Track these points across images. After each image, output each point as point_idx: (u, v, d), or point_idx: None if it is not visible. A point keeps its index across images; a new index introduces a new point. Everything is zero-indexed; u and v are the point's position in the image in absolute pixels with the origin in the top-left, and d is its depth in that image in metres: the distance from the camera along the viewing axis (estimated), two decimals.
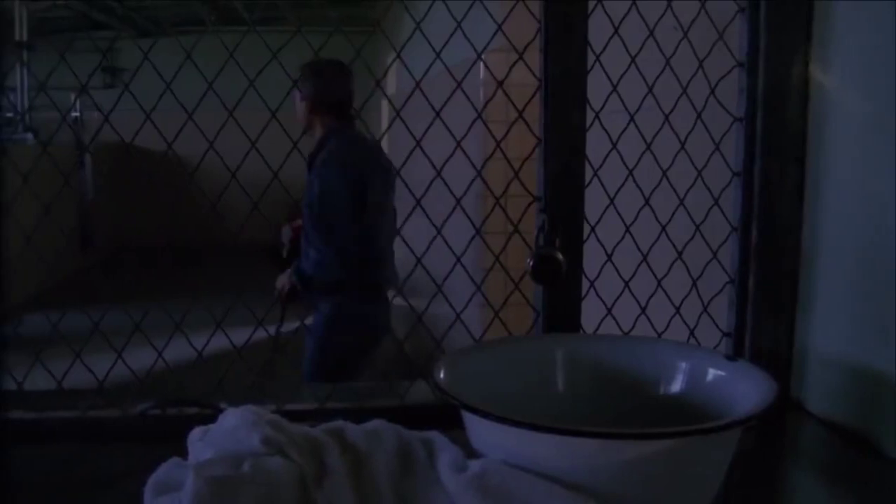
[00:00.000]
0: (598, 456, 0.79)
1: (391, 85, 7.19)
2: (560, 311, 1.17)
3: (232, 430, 0.87)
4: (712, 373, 1.00)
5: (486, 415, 0.82)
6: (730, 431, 0.84)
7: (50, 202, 1.24)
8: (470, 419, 0.88)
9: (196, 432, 0.92)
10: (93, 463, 1.07)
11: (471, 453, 0.88)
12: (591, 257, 1.21)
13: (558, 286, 1.15)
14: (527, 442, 0.82)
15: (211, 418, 0.95)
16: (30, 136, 5.98)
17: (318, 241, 3.20)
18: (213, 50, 1.14)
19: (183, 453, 0.91)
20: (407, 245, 1.12)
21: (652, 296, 1.24)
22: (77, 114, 6.64)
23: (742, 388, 0.94)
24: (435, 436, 0.91)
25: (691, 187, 1.25)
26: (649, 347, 1.07)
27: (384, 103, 7.63)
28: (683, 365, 1.03)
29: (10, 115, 5.77)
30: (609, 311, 1.22)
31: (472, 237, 1.14)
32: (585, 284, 1.20)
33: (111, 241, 8.88)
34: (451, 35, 1.10)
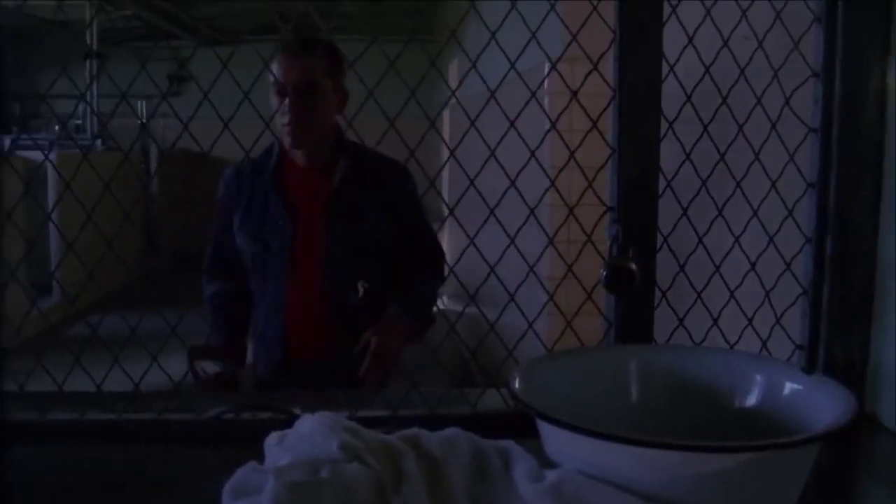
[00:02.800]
0: (676, 468, 0.79)
1: (453, 87, 7.18)
2: (632, 322, 1.16)
3: (309, 436, 0.88)
4: (789, 386, 0.99)
5: (563, 425, 0.82)
6: (809, 446, 0.83)
7: (128, 209, 1.26)
8: (546, 429, 0.88)
9: (273, 437, 0.93)
10: (167, 465, 1.09)
11: (545, 463, 0.88)
12: (664, 267, 1.21)
13: (631, 296, 1.14)
14: (603, 452, 0.81)
15: (285, 423, 0.97)
16: (98, 142, 6.12)
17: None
18: None
19: (258, 457, 0.92)
20: (480, 254, 1.12)
21: (724, 307, 1.23)
22: (144, 121, 6.76)
23: (820, 402, 0.93)
24: (510, 445, 0.91)
25: (765, 198, 1.23)
26: (724, 359, 1.07)
27: (445, 113, 7.66)
28: (759, 377, 1.02)
29: (79, 122, 5.93)
30: (681, 321, 1.21)
31: (546, 247, 1.14)
32: (657, 294, 1.20)
33: (175, 246, 9.02)
34: (526, 45, 1.11)
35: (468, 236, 1.10)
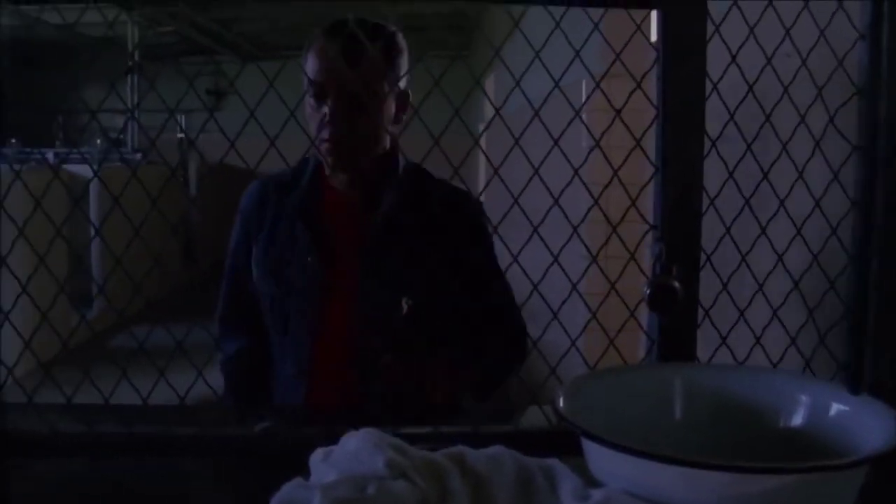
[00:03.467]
0: (723, 489, 0.79)
1: (489, 110, 7.22)
2: (675, 340, 1.16)
3: (355, 453, 0.89)
4: (835, 407, 0.98)
5: (609, 444, 0.83)
6: (856, 469, 0.83)
7: (176, 223, 1.28)
8: (591, 447, 0.88)
9: (318, 453, 0.94)
10: (213, 480, 1.10)
11: (590, 481, 0.88)
12: (706, 286, 1.20)
13: (674, 315, 1.14)
14: (649, 472, 0.81)
15: (329, 440, 0.98)
16: (138, 156, 6.19)
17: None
18: None
19: (303, 473, 0.93)
20: (525, 273, 1.13)
21: (767, 325, 1.23)
22: (182, 135, 6.85)
23: (867, 424, 0.92)
24: (555, 463, 0.91)
25: (809, 216, 1.23)
26: (769, 379, 1.06)
27: (481, 126, 7.68)
28: (804, 397, 1.02)
29: (120, 136, 6.00)
30: (724, 340, 1.21)
31: (589, 264, 1.15)
32: (700, 313, 1.20)
33: (212, 257, 9.10)
34: (570, 63, 1.11)
35: (512, 255, 1.10)
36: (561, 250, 1.12)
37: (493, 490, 0.87)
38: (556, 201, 1.12)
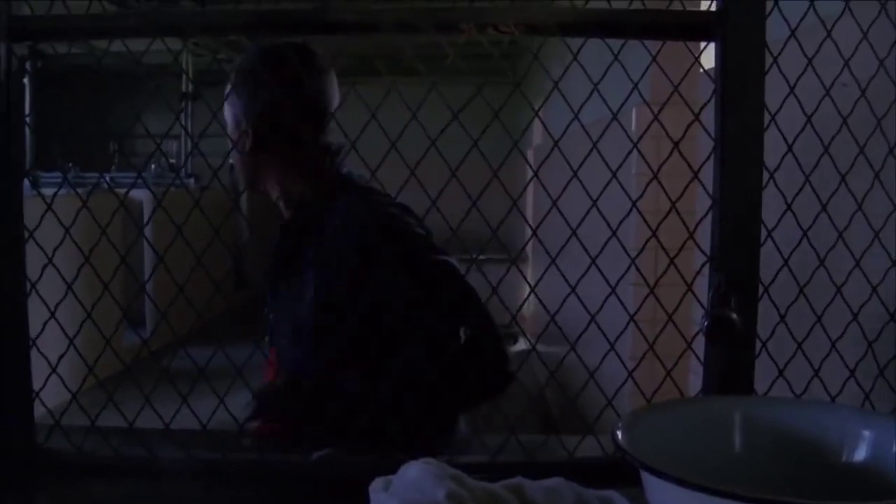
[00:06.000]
0: None
1: (536, 137, 7.23)
2: (732, 372, 1.16)
3: (416, 482, 0.89)
4: None
5: (671, 478, 0.82)
6: None
7: (237, 249, 1.30)
8: (651, 481, 0.88)
9: (378, 483, 0.95)
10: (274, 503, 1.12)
11: None
12: (763, 317, 1.20)
13: (732, 346, 1.14)
14: None
15: (388, 468, 0.99)
16: (192, 180, 6.29)
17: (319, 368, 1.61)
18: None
19: (360, 501, 0.94)
20: (581, 302, 1.13)
21: (826, 358, 1.21)
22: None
23: None
24: (613, 495, 0.91)
25: (868, 248, 1.22)
26: (829, 413, 1.05)
27: (529, 153, 7.68)
28: (867, 433, 1.00)
29: (172, 160, 6.10)
30: (781, 372, 1.20)
31: (647, 296, 1.15)
32: (757, 345, 1.19)
33: (262, 282, 9.18)
34: (629, 93, 1.12)
35: (569, 284, 1.11)
36: (620, 280, 1.12)
37: None
38: (614, 233, 1.12)
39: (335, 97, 1.73)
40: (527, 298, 1.28)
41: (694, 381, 1.24)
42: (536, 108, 7.10)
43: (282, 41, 1.70)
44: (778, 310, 1.20)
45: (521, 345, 4.95)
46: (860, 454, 0.99)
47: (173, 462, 1.13)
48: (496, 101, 1.15)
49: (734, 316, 1.12)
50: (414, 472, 0.91)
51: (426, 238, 1.62)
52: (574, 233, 1.08)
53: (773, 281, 1.19)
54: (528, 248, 6.97)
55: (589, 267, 1.12)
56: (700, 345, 1.18)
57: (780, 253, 1.19)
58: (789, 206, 1.19)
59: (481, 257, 1.19)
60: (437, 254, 1.59)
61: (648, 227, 1.15)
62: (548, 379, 1.19)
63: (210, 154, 1.42)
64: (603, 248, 1.11)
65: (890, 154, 1.22)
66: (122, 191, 1.40)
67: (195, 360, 1.27)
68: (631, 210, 1.14)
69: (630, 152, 1.12)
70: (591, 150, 1.09)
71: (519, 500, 0.89)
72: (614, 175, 1.12)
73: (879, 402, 1.23)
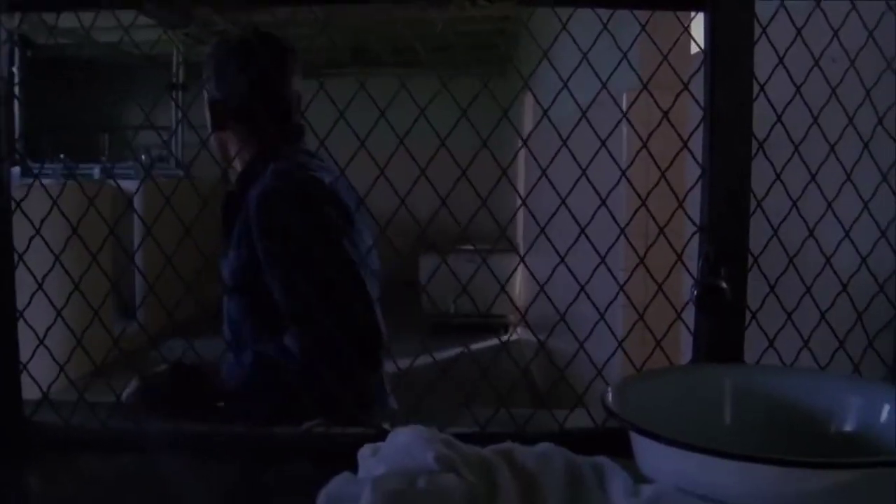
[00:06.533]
0: (778, 485, 0.78)
1: (528, 123, 7.23)
2: (722, 343, 1.16)
3: (405, 447, 0.89)
4: (889, 408, 0.97)
5: (663, 439, 0.82)
6: None
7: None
8: (641, 444, 0.88)
9: (366, 449, 0.94)
10: (259, 478, 1.11)
11: (639, 479, 0.88)
12: (753, 289, 1.20)
13: (722, 317, 1.14)
14: (702, 468, 0.81)
15: (375, 438, 0.98)
16: (181, 172, 6.25)
17: (255, 331, 1.72)
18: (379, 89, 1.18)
19: (350, 470, 0.93)
20: (572, 273, 1.13)
21: (815, 328, 1.21)
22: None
23: None
24: (604, 461, 0.91)
25: (857, 219, 1.22)
26: (820, 380, 1.05)
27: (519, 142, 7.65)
28: (856, 399, 1.00)
29: (164, 152, 6.07)
30: (771, 343, 1.20)
31: (636, 265, 1.14)
32: (746, 315, 1.19)
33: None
34: (618, 64, 1.12)
35: (559, 255, 1.10)
36: (608, 251, 1.12)
37: (542, 486, 0.87)
38: (604, 202, 1.12)
39: (296, 81, 1.83)
40: (508, 276, 1.28)
41: (685, 355, 1.24)
42: (528, 98, 7.11)
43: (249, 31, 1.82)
44: (767, 280, 1.19)
45: (512, 335, 4.96)
46: (850, 420, 0.99)
47: (162, 435, 1.12)
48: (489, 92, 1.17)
49: (724, 285, 1.12)
50: (403, 437, 0.91)
51: (340, 209, 1.68)
52: (563, 202, 1.08)
53: (762, 251, 1.18)
54: (520, 238, 6.98)
55: (578, 236, 1.11)
56: (690, 316, 1.18)
57: (770, 223, 1.19)
58: (778, 177, 1.19)
59: (472, 247, 1.20)
60: (347, 225, 1.67)
61: (638, 195, 1.15)
62: (537, 350, 1.19)
63: (193, 144, 1.45)
64: (592, 217, 1.11)
65: (879, 125, 1.22)
66: (111, 182, 1.40)
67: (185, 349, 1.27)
68: (620, 179, 1.13)
69: (618, 124, 1.12)
70: (580, 120, 1.09)
71: (509, 464, 0.88)
72: (603, 143, 1.12)
73: (869, 372, 1.23)
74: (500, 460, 0.88)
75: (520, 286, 5.89)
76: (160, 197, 1.26)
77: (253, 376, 1.58)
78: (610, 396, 0.93)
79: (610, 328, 1.14)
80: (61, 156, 5.63)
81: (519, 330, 5.38)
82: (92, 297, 1.14)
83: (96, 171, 5.51)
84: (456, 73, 1.20)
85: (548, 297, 1.14)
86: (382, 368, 1.62)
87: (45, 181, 1.23)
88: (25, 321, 1.12)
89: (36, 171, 1.18)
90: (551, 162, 1.08)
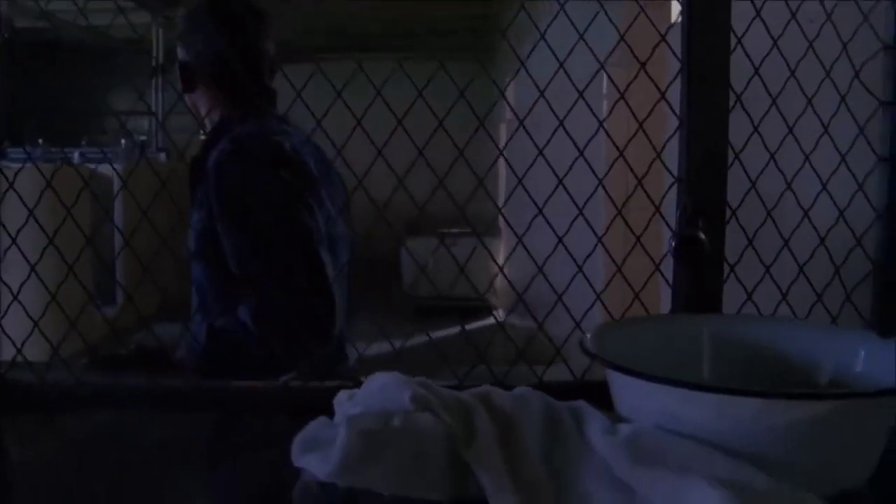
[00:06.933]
0: (756, 418, 0.78)
1: (508, 111, 7.19)
2: (700, 294, 1.15)
3: (381, 389, 0.89)
4: (865, 352, 0.97)
5: (642, 375, 0.82)
6: (892, 399, 0.82)
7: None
8: (620, 384, 0.88)
9: (342, 395, 0.94)
10: (235, 431, 1.10)
11: (617, 421, 0.88)
12: (731, 242, 1.20)
13: (699, 268, 1.14)
14: (683, 404, 0.81)
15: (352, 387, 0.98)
16: (162, 155, 6.23)
17: (219, 296, 1.69)
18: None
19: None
20: (549, 225, 1.12)
21: (793, 282, 1.22)
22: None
23: None
24: (582, 404, 0.91)
25: (835, 172, 1.22)
26: (798, 330, 1.06)
27: (502, 126, 7.67)
28: (833, 345, 1.01)
29: (143, 138, 6.05)
30: (749, 296, 1.20)
31: (614, 217, 1.14)
32: (725, 269, 1.19)
33: None
34: (594, 16, 1.11)
35: (536, 205, 1.10)
36: (586, 203, 1.12)
37: (520, 428, 0.86)
38: (581, 153, 1.12)
39: (268, 45, 1.81)
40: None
41: (664, 309, 1.24)
42: (511, 86, 7.11)
43: None
44: (745, 233, 1.19)
45: (492, 318, 4.97)
46: (828, 366, 0.99)
47: (137, 390, 1.12)
48: (465, 78, 1.16)
49: (702, 236, 1.12)
50: (379, 381, 0.91)
51: (298, 173, 1.67)
52: (541, 152, 1.07)
53: (740, 204, 1.18)
54: (500, 222, 6.95)
55: (556, 188, 1.11)
56: (669, 268, 1.17)
57: (748, 175, 1.19)
58: (756, 129, 1.19)
59: (453, 231, 1.20)
60: (304, 190, 1.65)
61: (615, 147, 1.14)
62: (515, 303, 1.18)
63: (181, 130, 1.45)
64: (571, 168, 1.11)
65: (856, 78, 1.22)
66: (92, 167, 1.39)
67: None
68: (598, 130, 1.13)
69: (597, 73, 1.12)
70: (558, 70, 1.08)
71: (486, 407, 0.88)
72: (581, 95, 1.11)
73: (846, 325, 1.23)
74: (478, 403, 0.88)
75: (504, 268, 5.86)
76: (140, 180, 1.26)
77: (208, 351, 1.57)
78: (589, 340, 0.93)
79: (588, 280, 1.14)
80: (39, 141, 5.59)
81: (502, 312, 5.40)
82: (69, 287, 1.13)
83: (76, 156, 5.48)
84: (446, 59, 1.19)
85: (525, 248, 1.14)
86: (333, 337, 1.59)
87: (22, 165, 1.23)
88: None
89: (17, 155, 1.17)
90: (529, 112, 1.08)
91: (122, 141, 5.58)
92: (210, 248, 1.63)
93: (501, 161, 1.27)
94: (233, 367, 1.43)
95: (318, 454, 0.85)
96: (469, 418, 0.86)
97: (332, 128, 1.22)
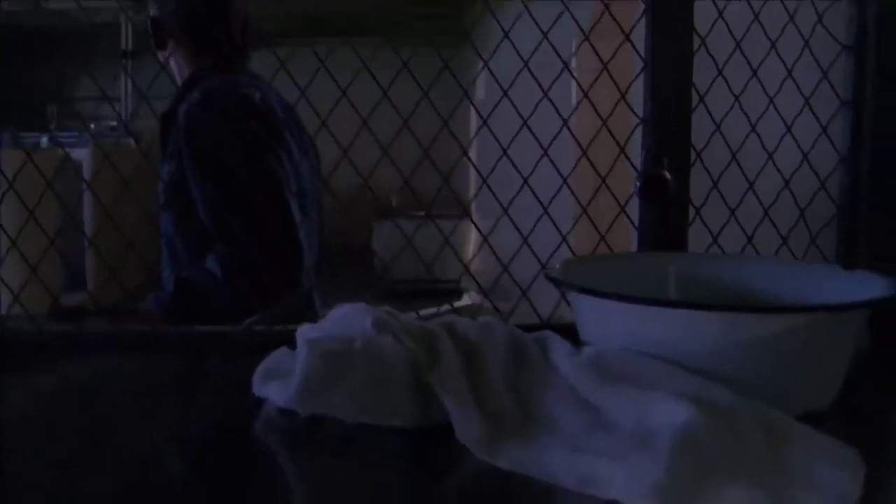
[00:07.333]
0: (725, 335, 0.77)
1: (480, 92, 7.19)
2: (666, 235, 1.16)
3: (343, 316, 0.88)
4: (830, 284, 0.97)
5: (607, 294, 0.82)
6: (857, 313, 0.82)
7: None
8: (584, 309, 0.88)
9: (305, 326, 0.93)
10: (204, 371, 1.10)
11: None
12: (697, 185, 1.20)
13: (665, 208, 1.14)
14: (648, 322, 0.80)
15: None
16: (131, 140, 6.16)
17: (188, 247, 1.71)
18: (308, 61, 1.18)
19: None
20: (513, 163, 1.12)
21: (759, 225, 1.22)
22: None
23: (864, 294, 0.91)
24: (547, 333, 0.91)
25: (799, 115, 1.22)
26: (763, 265, 1.06)
27: (472, 114, 7.65)
28: (800, 280, 1.01)
29: (113, 123, 5.98)
30: (715, 239, 1.20)
31: (580, 157, 1.14)
32: (691, 212, 1.19)
33: None
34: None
35: (502, 148, 1.10)
36: (550, 143, 1.11)
37: (484, 354, 0.86)
38: (546, 94, 1.11)
39: (239, 2, 1.81)
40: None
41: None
42: (470, 66, 7.10)
43: None
44: (711, 176, 1.20)
45: (468, 300, 4.96)
46: (793, 300, 0.99)
47: (100, 336, 1.11)
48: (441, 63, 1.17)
49: (667, 175, 1.12)
50: (343, 309, 0.90)
51: (267, 125, 1.68)
52: (505, 94, 1.07)
53: (705, 146, 1.19)
54: (473, 206, 6.93)
55: (520, 128, 1.11)
56: (635, 210, 1.17)
57: (712, 118, 1.19)
58: (720, 72, 1.19)
59: (422, 213, 1.20)
60: (273, 142, 1.66)
61: (581, 88, 1.14)
62: (480, 245, 1.18)
63: (151, 115, 1.45)
64: (536, 108, 1.10)
65: (818, 23, 1.22)
66: (62, 151, 1.38)
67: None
68: (562, 71, 1.13)
69: (561, 14, 1.11)
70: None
71: (450, 335, 0.87)
72: (545, 36, 1.11)
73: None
74: (442, 331, 0.87)
75: (473, 251, 5.87)
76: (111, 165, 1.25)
77: (175, 301, 1.56)
78: (555, 272, 0.93)
79: (554, 222, 1.14)
80: (9, 125, 5.53)
81: (472, 294, 5.39)
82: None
83: (44, 140, 5.43)
84: (424, 42, 1.19)
85: (492, 190, 1.14)
86: (302, 286, 1.59)
87: None
88: None
89: None
90: (494, 52, 1.07)
91: (92, 126, 5.54)
92: (179, 198, 1.63)
93: (473, 146, 1.28)
94: (200, 318, 1.42)
95: (279, 382, 0.84)
96: (433, 345, 0.85)
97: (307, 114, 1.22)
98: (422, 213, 1.24)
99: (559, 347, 0.86)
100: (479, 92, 7.30)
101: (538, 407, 0.81)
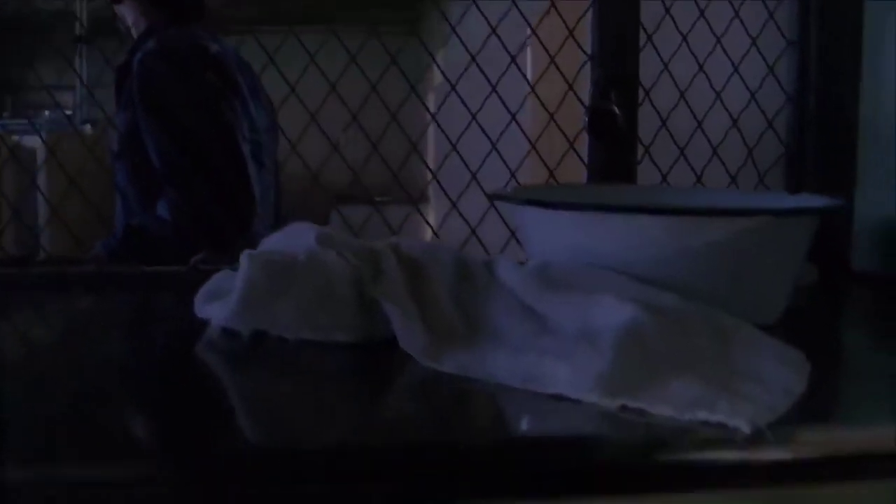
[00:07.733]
0: (671, 240, 0.77)
1: (436, 80, 7.20)
2: (614, 170, 1.16)
3: (286, 234, 0.87)
4: (777, 204, 0.98)
5: (554, 204, 0.81)
6: (800, 223, 0.82)
7: None
8: (528, 221, 0.87)
9: (247, 251, 0.92)
10: (149, 307, 1.08)
11: None
12: (646, 123, 1.20)
13: (614, 144, 1.14)
14: (593, 232, 0.80)
15: None
16: (87, 126, 6.09)
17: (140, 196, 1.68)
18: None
19: None
20: (460, 99, 1.12)
21: (707, 164, 1.23)
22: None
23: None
24: (494, 256, 0.90)
25: (746, 54, 1.23)
26: (711, 195, 1.06)
27: (431, 98, 7.65)
28: (747, 204, 1.01)
29: (69, 112, 5.92)
30: (664, 177, 1.21)
31: (526, 94, 1.14)
32: (640, 151, 1.20)
33: None
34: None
35: (451, 85, 1.09)
36: (500, 78, 1.11)
37: (429, 273, 0.85)
38: (493, 30, 1.11)
39: None
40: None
41: None
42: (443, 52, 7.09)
43: None
44: (659, 114, 1.20)
45: None
46: None
47: (45, 275, 1.09)
48: (395, 48, 1.17)
49: (615, 109, 1.12)
50: (286, 229, 0.89)
51: (222, 75, 1.65)
52: (468, 52, 1.06)
53: (653, 85, 1.19)
54: (430, 191, 6.93)
55: (469, 64, 1.10)
56: (585, 146, 1.17)
57: (660, 56, 1.20)
58: (668, 11, 1.20)
59: (384, 199, 1.20)
60: (228, 91, 1.63)
61: (529, 25, 1.14)
62: (431, 180, 1.17)
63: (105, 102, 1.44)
64: (484, 43, 1.10)
65: None
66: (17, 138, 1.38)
67: None
68: (510, 8, 1.13)
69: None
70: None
71: (395, 254, 0.86)
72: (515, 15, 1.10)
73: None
74: (387, 248, 0.86)
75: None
76: (65, 153, 1.24)
77: (122, 246, 1.54)
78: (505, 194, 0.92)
79: (503, 158, 1.14)
80: None
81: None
82: None
83: None
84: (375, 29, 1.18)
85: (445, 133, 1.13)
86: (253, 233, 1.57)
87: None
88: None
89: None
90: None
91: (46, 112, 5.46)
92: (133, 147, 1.61)
93: (431, 130, 1.28)
94: (148, 262, 1.41)
95: (220, 302, 0.83)
96: (377, 262, 0.84)
97: None
98: (382, 199, 1.24)
99: (505, 264, 0.85)
100: (436, 80, 7.33)
101: (483, 318, 0.80)
